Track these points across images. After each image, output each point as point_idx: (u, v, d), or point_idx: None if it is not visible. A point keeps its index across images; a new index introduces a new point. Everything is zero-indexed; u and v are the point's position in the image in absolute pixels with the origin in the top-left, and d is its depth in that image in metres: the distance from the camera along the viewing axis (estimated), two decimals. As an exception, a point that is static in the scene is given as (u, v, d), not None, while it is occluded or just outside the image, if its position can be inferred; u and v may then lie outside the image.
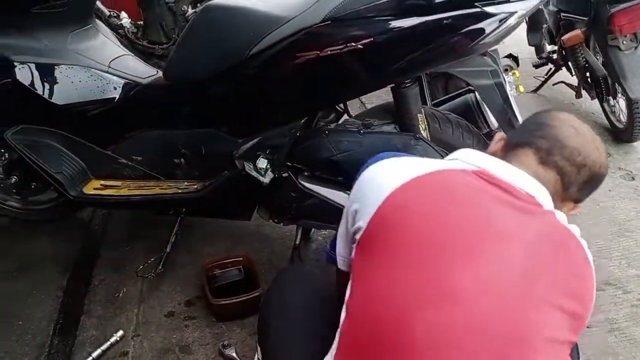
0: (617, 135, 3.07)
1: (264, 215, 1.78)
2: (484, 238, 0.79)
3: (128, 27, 2.66)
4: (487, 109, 1.76)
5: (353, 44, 1.32)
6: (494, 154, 0.97)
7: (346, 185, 1.57)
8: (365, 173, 0.94)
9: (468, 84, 1.91)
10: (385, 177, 0.89)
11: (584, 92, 3.14)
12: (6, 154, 1.91)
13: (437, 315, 0.75)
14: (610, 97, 2.93)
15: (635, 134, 2.83)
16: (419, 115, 1.51)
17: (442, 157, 1.49)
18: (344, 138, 1.52)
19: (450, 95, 1.87)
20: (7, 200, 2.13)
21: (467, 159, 0.92)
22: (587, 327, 1.70)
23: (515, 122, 1.54)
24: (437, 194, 0.84)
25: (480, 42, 1.32)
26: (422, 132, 1.51)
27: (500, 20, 1.29)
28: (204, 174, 1.72)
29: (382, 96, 2.15)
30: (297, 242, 1.87)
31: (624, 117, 2.99)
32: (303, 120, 1.53)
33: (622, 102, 2.96)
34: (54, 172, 1.74)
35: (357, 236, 0.87)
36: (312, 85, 1.43)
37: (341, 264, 1.01)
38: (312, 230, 2.07)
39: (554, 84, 3.36)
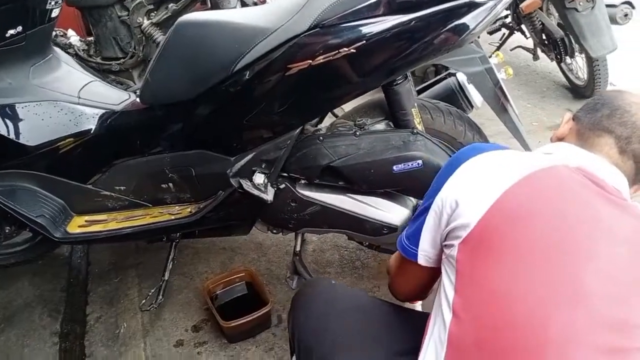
0: (578, 92, 3.17)
1: (262, 228, 1.73)
2: (597, 237, 0.79)
3: (78, 45, 2.52)
4: (469, 91, 1.76)
5: (345, 49, 1.27)
6: (563, 137, 0.97)
7: (348, 189, 1.54)
8: (467, 164, 0.89)
9: (445, 67, 1.91)
10: (496, 172, 0.86)
11: (541, 53, 3.21)
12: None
13: (569, 316, 0.74)
14: (568, 57, 3.00)
15: (596, 90, 2.93)
16: (413, 110, 1.48)
17: (442, 149, 1.49)
18: (341, 142, 1.48)
19: (431, 81, 1.85)
20: (-21, 248, 2.00)
21: (564, 153, 0.91)
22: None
23: (508, 105, 1.55)
24: (551, 192, 0.82)
25: (472, 32, 1.30)
26: (417, 125, 1.50)
27: (489, 8, 1.28)
28: (196, 196, 1.65)
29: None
30: (298, 249, 1.84)
31: (582, 74, 3.09)
32: (298, 131, 1.47)
33: (579, 61, 3.05)
34: (34, 216, 1.62)
35: (461, 233, 0.83)
36: (306, 95, 1.38)
37: (422, 260, 0.96)
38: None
39: (511, 49, 3.42)
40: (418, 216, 0.95)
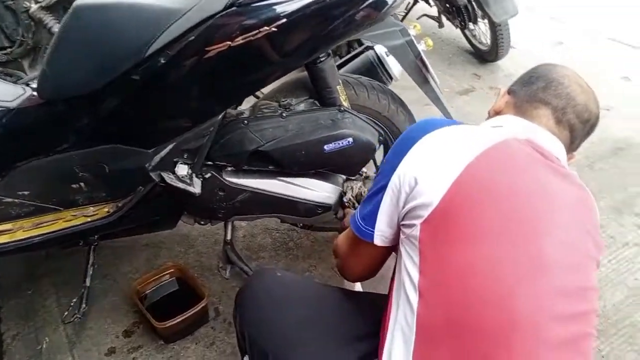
0: (482, 57, 3.30)
1: (188, 220, 1.64)
2: (549, 208, 0.81)
3: (-43, 35, 2.23)
4: (388, 63, 1.76)
5: (266, 28, 1.20)
6: (500, 110, 1.00)
7: (278, 172, 1.49)
8: (424, 141, 0.87)
9: (359, 41, 1.89)
10: (454, 148, 0.84)
11: (445, 21, 3.29)
12: None
13: (533, 287, 0.76)
14: (471, 23, 3.10)
15: (500, 53, 3.07)
16: (338, 87, 1.45)
17: (370, 125, 1.48)
18: (267, 125, 1.42)
19: (349, 55, 1.83)
20: None
21: (512, 126, 0.92)
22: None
23: (429, 76, 1.56)
24: (506, 167, 0.83)
25: (392, 6, 1.28)
26: (344, 102, 1.47)
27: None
28: (112, 194, 1.53)
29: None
30: (229, 238, 1.77)
31: (485, 39, 3.21)
32: (220, 116, 1.39)
33: (482, 26, 3.16)
34: None
35: (423, 212, 0.81)
36: (227, 78, 1.30)
37: (379, 240, 0.93)
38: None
39: (417, 18, 3.47)
40: (373, 196, 0.93)
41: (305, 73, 1.51)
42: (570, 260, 0.79)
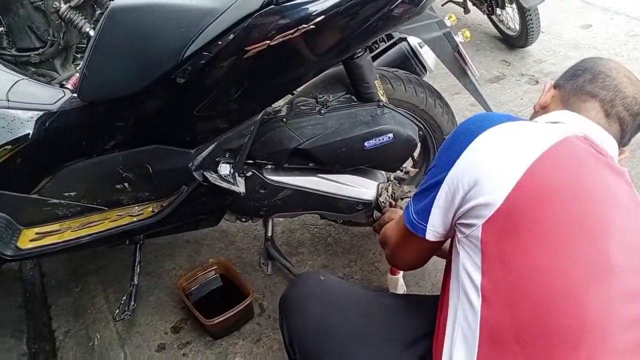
0: (510, 42, 3.25)
1: (230, 218, 1.67)
2: (611, 209, 0.80)
3: (-13, 37, 2.28)
4: (422, 54, 1.75)
5: (304, 25, 1.21)
6: (547, 104, 0.99)
7: (318, 169, 1.50)
8: (482, 138, 0.85)
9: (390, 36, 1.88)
10: (516, 147, 0.82)
11: (472, 7, 3.25)
12: None
13: (603, 291, 0.75)
14: (499, 8, 3.06)
15: (530, 39, 3.01)
16: (375, 82, 1.45)
17: (410, 119, 1.48)
18: (306, 123, 1.43)
19: (382, 48, 1.82)
20: None
21: (571, 123, 0.91)
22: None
23: (467, 68, 1.55)
24: (569, 167, 0.81)
25: (428, -1, 1.28)
26: (381, 97, 1.47)
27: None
28: (156, 194, 1.56)
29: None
30: (270, 235, 1.80)
31: (513, 25, 3.16)
32: (260, 115, 1.41)
33: (510, 11, 3.11)
34: (-23, 236, 1.48)
35: (485, 212, 0.80)
36: (267, 77, 1.31)
37: (431, 236, 0.93)
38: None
39: (442, 4, 3.44)
40: (427, 190, 0.92)
41: (340, 67, 1.51)
42: (636, 260, 0.78)
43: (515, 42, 3.19)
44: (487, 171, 0.82)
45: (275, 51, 1.24)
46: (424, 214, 0.92)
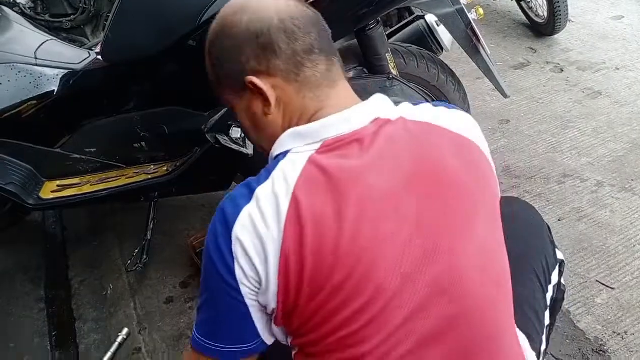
0: (538, 30, 3.20)
1: (240, 180, 1.73)
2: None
3: (24, 2, 2.39)
4: (439, 33, 1.77)
5: (316, -6, 1.25)
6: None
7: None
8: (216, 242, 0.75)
9: (411, 12, 1.90)
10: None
11: (501, -8, 3.21)
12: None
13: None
14: (527, -5, 3.02)
15: (557, 27, 2.97)
16: (387, 55, 1.48)
17: (419, 94, 1.51)
18: (316, 92, 1.47)
19: (399, 25, 1.84)
20: (-53, 221, 1.94)
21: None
22: (559, 220, 1.86)
23: (479, 46, 1.56)
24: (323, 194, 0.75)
25: (443, -27, 1.29)
26: (392, 70, 1.50)
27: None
28: (171, 154, 1.64)
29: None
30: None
31: (542, 12, 3.11)
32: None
33: (539, -1, 3.07)
34: (3, 183, 1.58)
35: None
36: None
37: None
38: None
39: (472, -11, 3.41)
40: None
41: (355, 41, 1.55)
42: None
43: (542, 29, 3.14)
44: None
45: (287, 19, 1.28)
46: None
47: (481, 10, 1.69)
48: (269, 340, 0.81)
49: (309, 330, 0.75)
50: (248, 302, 0.75)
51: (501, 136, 2.32)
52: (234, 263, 0.73)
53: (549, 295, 1.02)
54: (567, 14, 2.92)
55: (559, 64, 2.88)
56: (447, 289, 0.74)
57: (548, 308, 1.01)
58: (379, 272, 0.72)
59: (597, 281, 1.62)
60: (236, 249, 0.73)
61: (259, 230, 0.72)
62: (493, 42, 3.21)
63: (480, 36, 1.52)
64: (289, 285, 0.72)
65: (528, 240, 1.04)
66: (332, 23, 1.33)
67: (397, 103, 0.86)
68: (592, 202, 1.92)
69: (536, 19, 3.19)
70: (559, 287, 1.05)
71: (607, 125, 2.32)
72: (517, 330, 0.88)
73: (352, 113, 0.79)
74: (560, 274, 1.06)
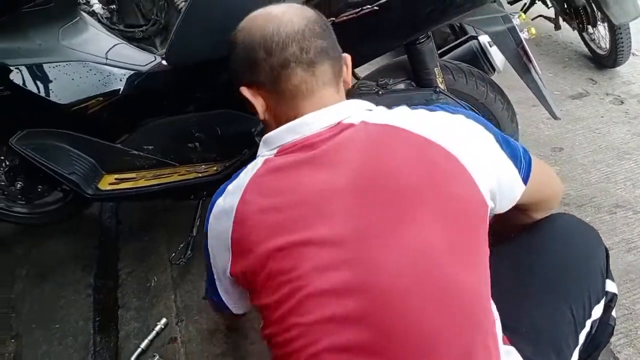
0: (600, 62, 3.14)
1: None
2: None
3: (101, 12, 2.56)
4: (492, 53, 1.78)
5: (368, 6, 1.30)
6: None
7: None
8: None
9: (463, 31, 1.92)
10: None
11: (562, 23, 3.17)
12: (6, 161, 1.85)
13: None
14: (590, 26, 2.97)
15: (619, 59, 2.90)
16: (435, 69, 1.51)
17: (465, 108, 1.52)
18: (363, 101, 1.51)
19: (453, 44, 1.87)
20: (13, 207, 2.07)
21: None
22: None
23: (530, 65, 1.57)
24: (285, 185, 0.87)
25: (494, -11, 1.32)
26: (439, 85, 1.52)
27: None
28: (222, 155, 1.71)
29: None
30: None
31: (604, 44, 3.05)
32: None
33: (601, 29, 3.01)
34: (67, 173, 1.69)
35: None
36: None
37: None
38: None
39: (532, 19, 3.38)
40: None
41: (406, 56, 1.58)
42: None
43: (604, 61, 3.08)
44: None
45: (339, 29, 1.32)
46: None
47: (533, 30, 1.69)
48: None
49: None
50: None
51: (553, 163, 2.27)
52: (208, 245, 0.95)
53: (584, 331, 0.94)
54: (630, 46, 2.86)
55: (619, 96, 2.81)
56: (357, 289, 0.77)
57: (579, 345, 0.93)
58: (302, 270, 0.78)
59: (643, 313, 1.55)
60: (210, 233, 0.92)
61: (220, 221, 0.88)
62: (552, 72, 3.17)
63: (532, 56, 1.52)
64: (238, 275, 0.86)
65: (570, 264, 0.97)
66: (384, 35, 1.39)
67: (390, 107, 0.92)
68: (644, 234, 1.85)
69: (598, 50, 3.14)
70: (603, 323, 0.97)
71: (666, 159, 2.23)
72: None
73: (312, 118, 0.87)
74: (608, 308, 0.99)
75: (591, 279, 0.96)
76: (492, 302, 0.84)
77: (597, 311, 0.96)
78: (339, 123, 0.86)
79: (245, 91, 0.94)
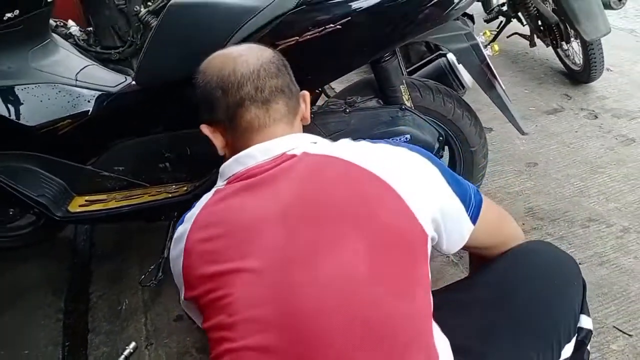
0: (575, 77, 3.19)
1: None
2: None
3: (78, 35, 2.56)
4: (460, 71, 1.80)
5: (331, 25, 1.32)
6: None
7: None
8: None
9: (437, 48, 1.94)
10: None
11: (537, 40, 3.23)
12: (-24, 184, 1.83)
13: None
14: (564, 42, 3.02)
15: (593, 74, 2.95)
16: (401, 87, 1.52)
17: (430, 125, 1.53)
18: (331, 119, 1.52)
19: (421, 62, 1.89)
20: (-16, 231, 2.06)
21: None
22: (580, 263, 1.80)
23: (494, 81, 1.58)
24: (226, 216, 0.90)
25: (456, 8, 1.34)
26: (406, 102, 1.53)
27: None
28: (192, 174, 1.70)
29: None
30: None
31: (578, 60, 3.10)
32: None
33: (575, 46, 3.07)
34: (36, 195, 1.68)
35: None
36: (295, 72, 1.42)
37: None
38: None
39: (507, 36, 3.43)
40: None
41: (372, 75, 1.60)
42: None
43: (579, 76, 3.13)
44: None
45: (303, 48, 1.35)
46: None
47: (496, 47, 1.72)
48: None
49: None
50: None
51: (527, 178, 2.28)
52: (171, 265, 0.97)
53: None
54: (603, 61, 2.90)
55: (593, 111, 2.85)
56: (277, 320, 0.78)
57: None
58: (231, 298, 0.80)
59: (614, 327, 1.55)
60: (171, 256, 0.95)
61: (176, 246, 0.92)
62: (527, 88, 3.21)
63: (495, 72, 1.54)
64: (190, 300, 0.89)
65: (542, 300, 0.93)
66: (348, 53, 1.40)
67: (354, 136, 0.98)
68: (617, 248, 1.85)
69: (572, 66, 3.19)
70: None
71: (639, 172, 2.25)
72: None
73: (258, 151, 0.91)
74: (582, 344, 0.96)
75: (563, 317, 0.93)
76: (437, 336, 0.83)
77: (568, 350, 0.93)
78: (282, 154, 0.89)
79: (205, 129, 1.02)
